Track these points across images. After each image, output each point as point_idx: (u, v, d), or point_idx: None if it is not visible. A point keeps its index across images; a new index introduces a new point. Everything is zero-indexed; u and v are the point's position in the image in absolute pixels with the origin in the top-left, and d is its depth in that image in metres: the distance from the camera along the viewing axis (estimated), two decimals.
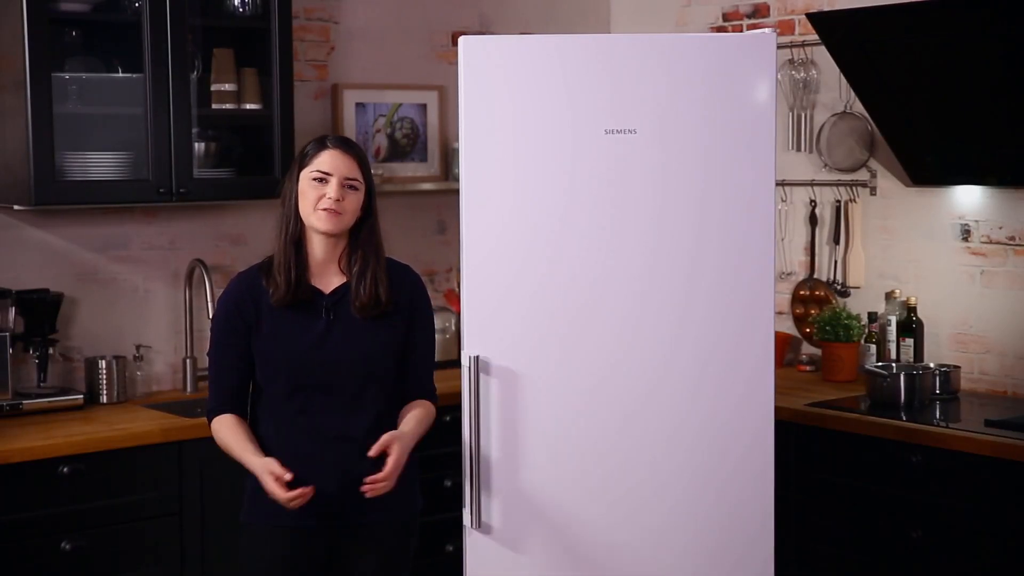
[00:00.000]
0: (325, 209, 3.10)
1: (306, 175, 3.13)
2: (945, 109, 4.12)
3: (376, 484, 3.05)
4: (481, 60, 3.41)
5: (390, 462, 3.06)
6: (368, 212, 3.19)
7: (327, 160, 3.12)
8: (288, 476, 3.01)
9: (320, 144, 3.16)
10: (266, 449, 3.12)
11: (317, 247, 3.17)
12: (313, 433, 3.10)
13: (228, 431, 3.16)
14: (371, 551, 3.18)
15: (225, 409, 3.18)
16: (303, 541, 3.14)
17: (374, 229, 3.20)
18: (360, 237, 3.18)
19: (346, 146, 3.17)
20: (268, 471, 3.03)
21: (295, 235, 3.15)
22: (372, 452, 3.05)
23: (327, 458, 3.10)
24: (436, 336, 4.65)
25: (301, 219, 3.15)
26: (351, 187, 3.13)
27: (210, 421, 3.21)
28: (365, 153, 3.24)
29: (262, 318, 3.14)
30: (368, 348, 3.15)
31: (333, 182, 3.11)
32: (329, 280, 3.19)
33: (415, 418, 3.20)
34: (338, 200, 3.10)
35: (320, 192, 3.11)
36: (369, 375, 3.15)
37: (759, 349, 3.52)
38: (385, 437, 3.07)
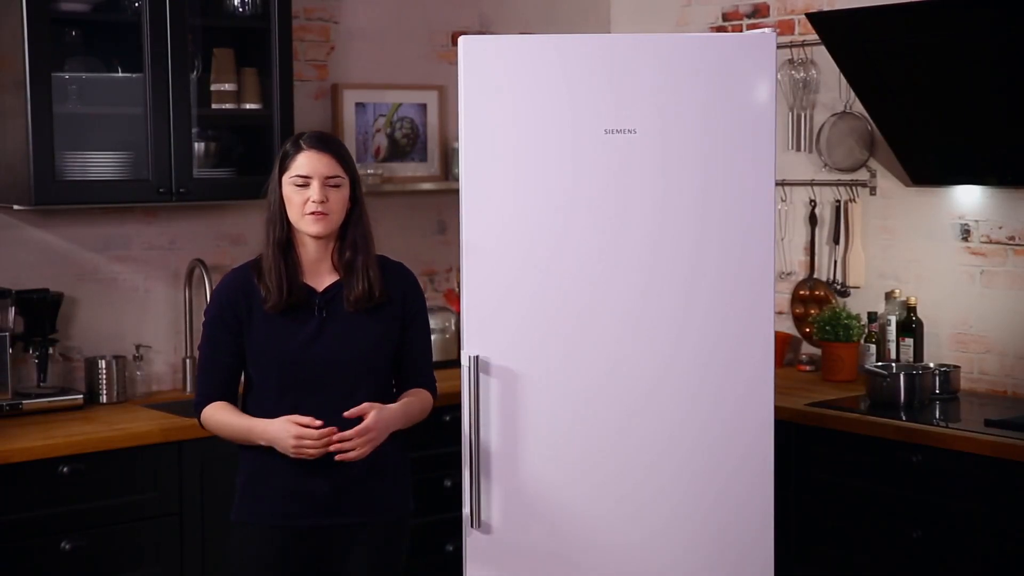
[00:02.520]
0: (312, 213, 3.10)
1: (287, 181, 3.12)
2: (945, 109, 4.11)
3: (343, 444, 3.03)
4: (481, 60, 3.41)
5: (360, 426, 3.04)
6: (354, 204, 3.18)
7: (304, 163, 3.10)
8: (318, 422, 3.02)
9: (296, 146, 3.14)
10: (260, 449, 3.12)
11: (309, 247, 3.16)
12: None
13: (225, 412, 3.15)
14: (363, 552, 3.16)
15: (215, 400, 3.18)
16: (294, 541, 3.13)
17: (362, 219, 3.18)
18: (349, 230, 3.17)
19: (322, 144, 3.14)
20: (292, 422, 3.02)
21: (282, 239, 3.14)
22: (348, 413, 3.04)
23: (319, 458, 3.10)
24: (436, 336, 4.69)
25: (288, 222, 3.14)
26: (333, 185, 3.12)
27: (199, 412, 3.19)
28: (343, 146, 3.21)
29: (254, 316, 3.14)
30: (361, 346, 3.14)
31: (315, 184, 3.09)
32: (322, 278, 3.18)
33: (403, 401, 3.19)
34: (322, 202, 3.09)
35: (304, 196, 3.09)
36: (362, 373, 3.14)
37: (759, 349, 3.52)
38: (365, 404, 3.07)
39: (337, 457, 3.04)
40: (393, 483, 3.21)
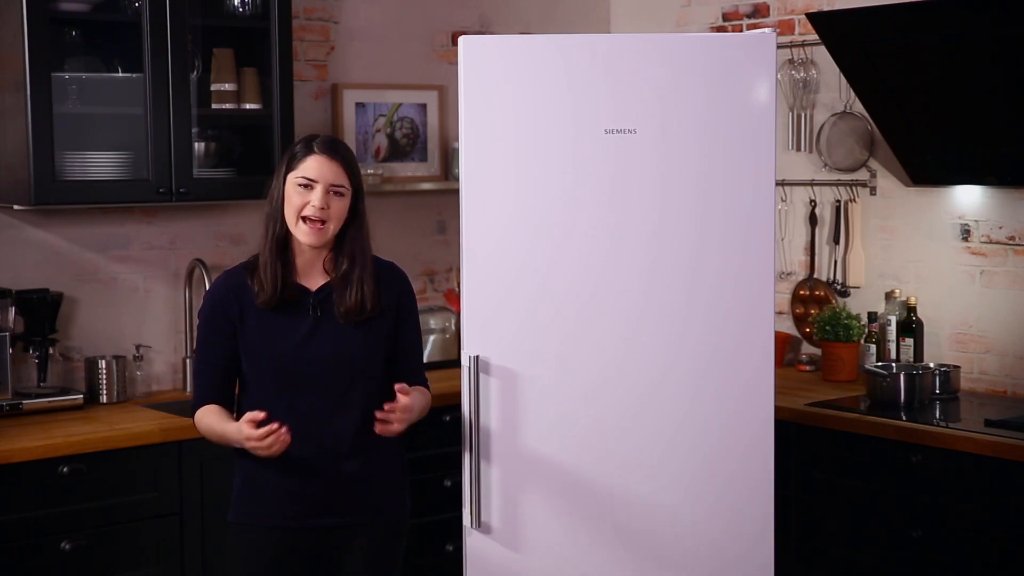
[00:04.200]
0: (307, 219, 3.07)
1: (292, 179, 3.10)
2: (945, 109, 4.12)
3: (389, 415, 3.05)
4: (481, 60, 3.41)
5: (402, 403, 3.05)
6: (354, 215, 3.16)
7: (313, 166, 3.09)
8: (261, 415, 2.99)
9: (307, 148, 3.12)
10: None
11: (304, 249, 3.15)
12: (300, 432, 3.08)
13: (210, 416, 3.14)
14: (359, 552, 3.16)
15: (209, 403, 3.18)
16: (290, 542, 3.13)
17: (361, 232, 3.16)
18: (346, 240, 3.15)
19: (333, 151, 3.12)
20: (246, 421, 3.00)
21: (281, 234, 3.13)
22: (399, 387, 3.05)
23: (315, 458, 3.09)
24: (436, 336, 4.70)
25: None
26: (337, 193, 3.10)
27: (194, 416, 3.19)
28: (353, 156, 3.19)
29: (247, 317, 3.13)
30: (355, 347, 3.13)
31: (318, 189, 3.08)
32: (315, 278, 3.17)
33: (419, 392, 3.21)
34: (323, 208, 3.08)
35: (305, 199, 3.08)
36: (356, 373, 3.13)
37: (759, 349, 3.52)
38: (404, 385, 3.08)
39: (378, 429, 3.06)
40: (390, 484, 3.21)
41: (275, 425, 2.98)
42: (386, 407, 3.06)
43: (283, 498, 3.12)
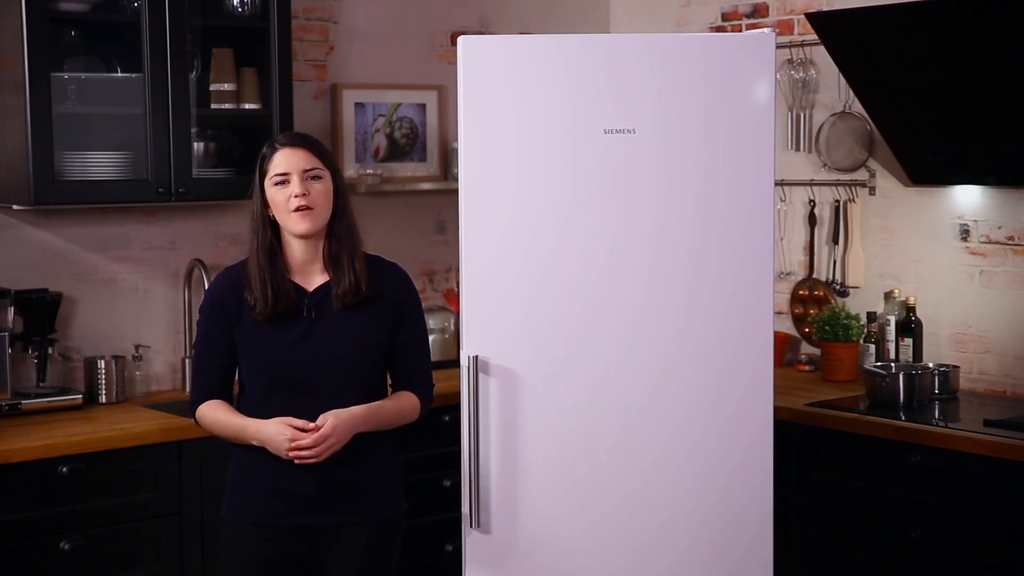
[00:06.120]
0: (297, 210, 3.09)
1: (268, 183, 3.13)
2: (945, 109, 4.12)
3: (300, 448, 3.03)
4: (481, 60, 3.41)
5: (318, 434, 3.03)
6: (337, 196, 3.17)
7: (281, 161, 3.12)
8: (311, 425, 3.03)
9: (271, 148, 3.16)
10: (250, 446, 3.12)
11: (296, 250, 3.15)
12: None
13: (219, 410, 3.15)
14: (352, 552, 3.15)
15: (210, 398, 3.18)
16: (283, 540, 3.13)
17: (345, 212, 3.18)
18: (335, 226, 3.17)
19: (296, 140, 3.16)
20: (287, 424, 3.03)
21: (266, 243, 3.14)
22: (307, 427, 3.04)
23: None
24: (436, 336, 4.69)
25: (272, 227, 3.14)
26: (314, 177, 3.12)
27: (194, 411, 3.20)
28: (319, 142, 3.21)
29: (244, 316, 3.14)
30: (350, 346, 3.13)
31: (294, 179, 3.10)
32: (313, 278, 3.18)
33: (374, 404, 3.15)
34: (304, 195, 3.09)
35: (286, 193, 3.10)
36: (350, 373, 3.13)
37: (759, 349, 3.52)
38: (322, 416, 3.06)
39: (296, 461, 3.05)
40: (384, 483, 3.21)
41: (326, 433, 3.02)
42: (296, 443, 3.03)
43: (274, 495, 3.12)
